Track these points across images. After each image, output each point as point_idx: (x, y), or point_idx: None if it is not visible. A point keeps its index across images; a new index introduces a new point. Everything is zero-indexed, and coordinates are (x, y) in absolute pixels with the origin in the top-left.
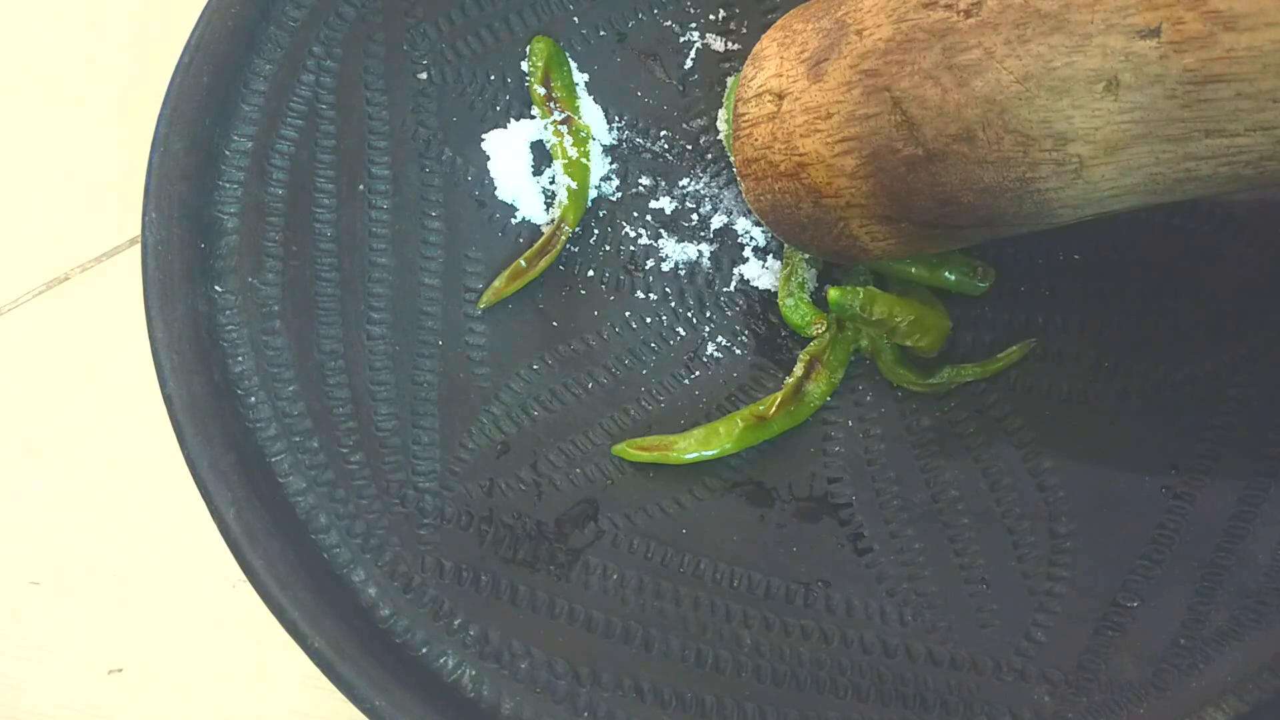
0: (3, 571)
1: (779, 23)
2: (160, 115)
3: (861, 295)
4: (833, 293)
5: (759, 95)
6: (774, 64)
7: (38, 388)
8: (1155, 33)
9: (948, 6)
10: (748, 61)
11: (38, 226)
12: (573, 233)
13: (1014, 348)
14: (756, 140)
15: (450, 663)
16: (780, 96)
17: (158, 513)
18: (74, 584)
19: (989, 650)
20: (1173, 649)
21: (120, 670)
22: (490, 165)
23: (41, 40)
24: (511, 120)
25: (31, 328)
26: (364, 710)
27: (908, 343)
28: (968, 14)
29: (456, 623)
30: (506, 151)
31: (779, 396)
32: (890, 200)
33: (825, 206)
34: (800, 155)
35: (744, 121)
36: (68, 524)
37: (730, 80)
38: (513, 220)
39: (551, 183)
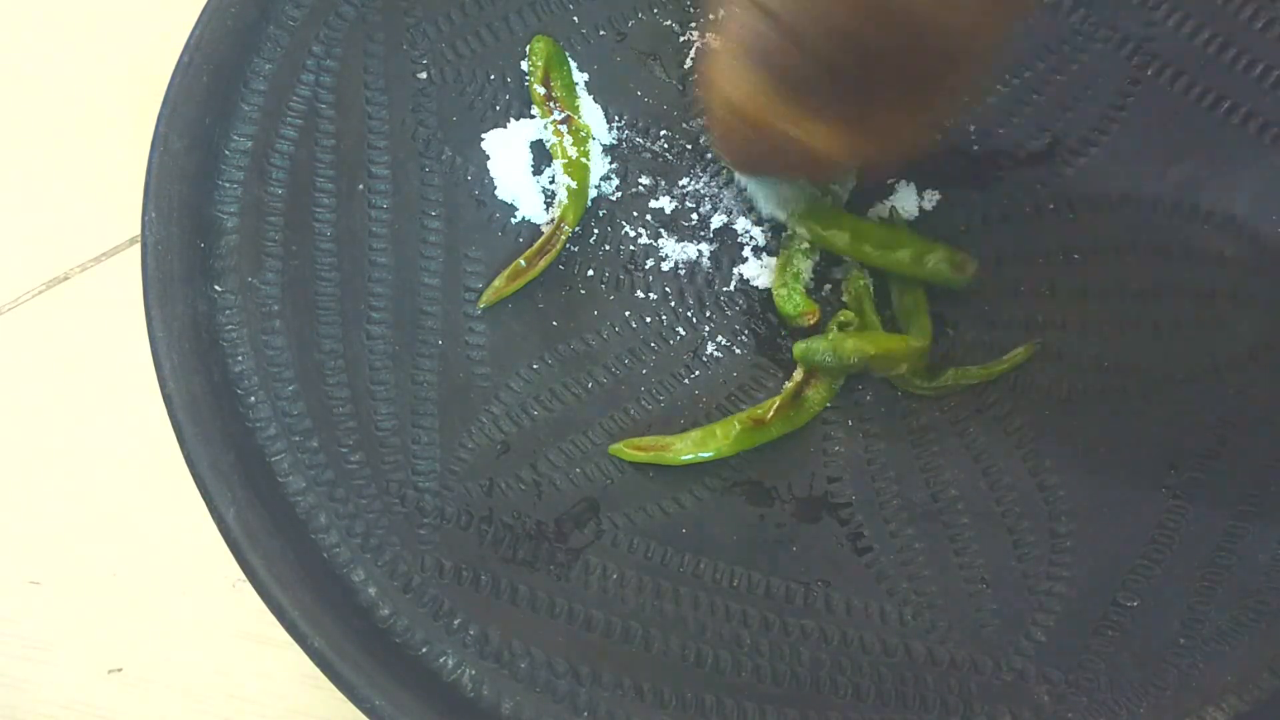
0: (3, 571)
1: None
2: (160, 115)
3: (825, 343)
4: (797, 348)
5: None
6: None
7: (38, 387)
8: None
9: None
10: None
11: (38, 226)
12: (572, 232)
13: (1019, 350)
14: (703, 92)
15: (450, 662)
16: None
17: (158, 513)
18: (74, 584)
19: (989, 650)
20: (1173, 648)
21: (120, 670)
22: (490, 165)
23: (42, 41)
24: (511, 120)
25: (31, 328)
26: (363, 710)
27: (887, 375)
28: None
29: (456, 622)
30: (506, 151)
31: (777, 401)
32: (799, 97)
33: (761, 126)
34: (726, 90)
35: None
36: (68, 524)
37: None
38: (513, 220)
39: (551, 182)
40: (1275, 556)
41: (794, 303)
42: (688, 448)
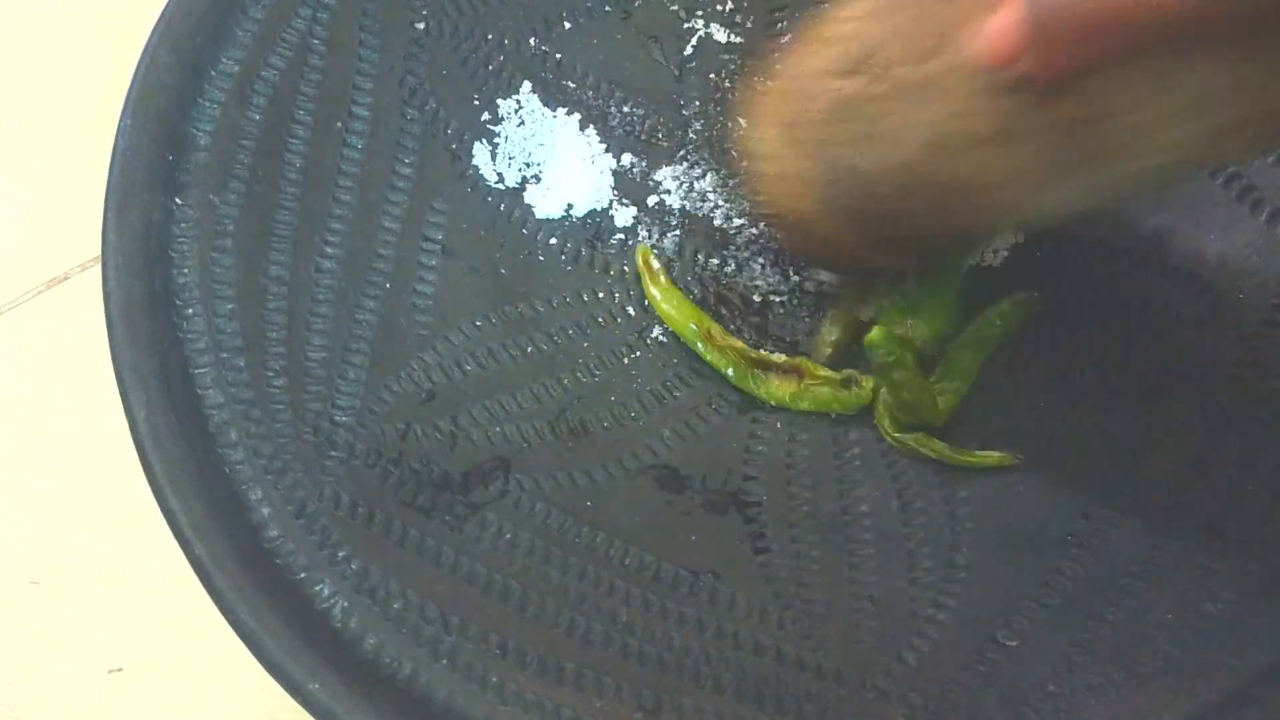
0: (3, 571)
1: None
2: (154, 29)
3: (891, 351)
4: (874, 333)
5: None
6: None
7: (38, 387)
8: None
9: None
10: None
11: (38, 226)
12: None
13: (994, 454)
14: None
15: (325, 591)
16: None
17: (158, 512)
18: (74, 584)
19: (858, 665)
20: (1039, 694)
21: (120, 670)
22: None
23: (42, 43)
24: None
25: (31, 327)
26: (229, 620)
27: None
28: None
29: (341, 555)
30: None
31: (807, 365)
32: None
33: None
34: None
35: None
36: (68, 524)
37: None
38: (486, 180)
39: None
40: (1160, 620)
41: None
42: (678, 311)
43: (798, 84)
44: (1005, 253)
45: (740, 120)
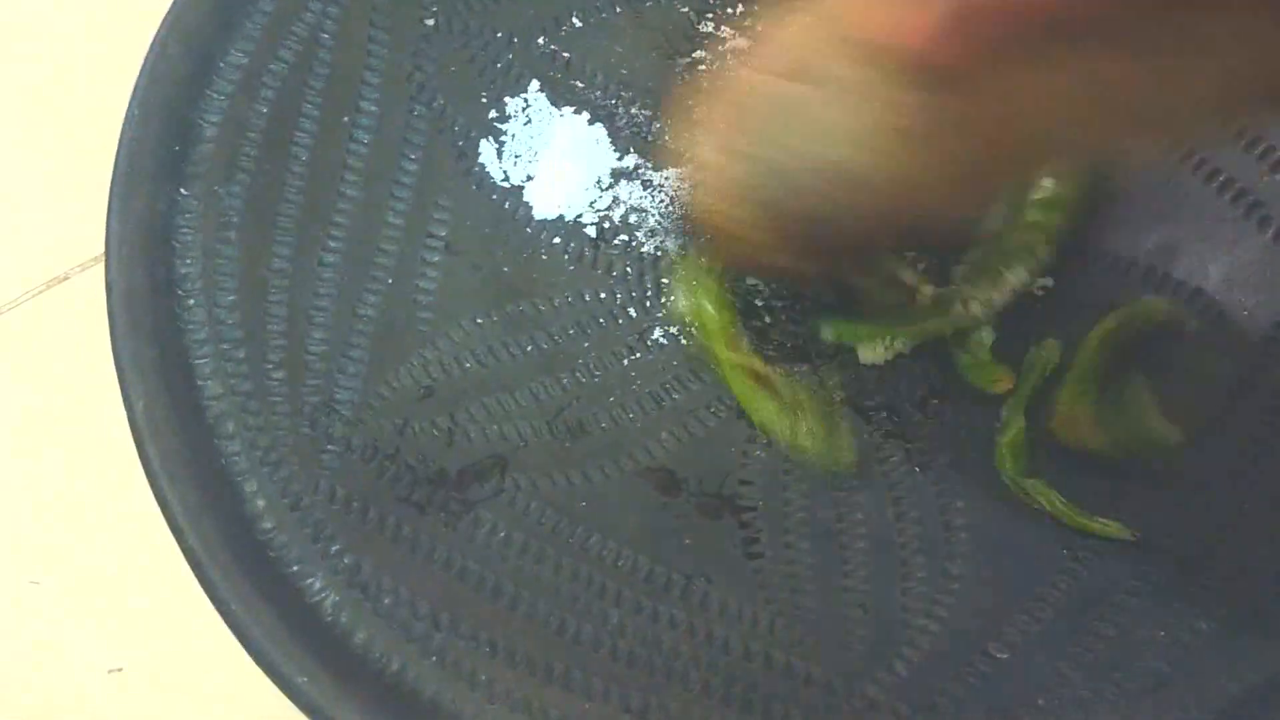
0: (3, 571)
1: None
2: (163, 22)
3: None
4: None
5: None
6: None
7: (38, 387)
8: None
9: None
10: None
11: (38, 226)
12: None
13: (1113, 525)
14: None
15: (317, 584)
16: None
17: (159, 512)
18: (74, 584)
19: (846, 673)
20: (1028, 707)
21: (120, 670)
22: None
23: (43, 43)
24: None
25: (32, 327)
26: (219, 611)
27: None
28: None
29: (334, 549)
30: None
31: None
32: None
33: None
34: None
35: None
36: (68, 524)
37: None
38: (492, 178)
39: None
40: (1150, 638)
41: (985, 372)
42: (693, 306)
43: (735, 87)
44: None
45: (676, 124)
